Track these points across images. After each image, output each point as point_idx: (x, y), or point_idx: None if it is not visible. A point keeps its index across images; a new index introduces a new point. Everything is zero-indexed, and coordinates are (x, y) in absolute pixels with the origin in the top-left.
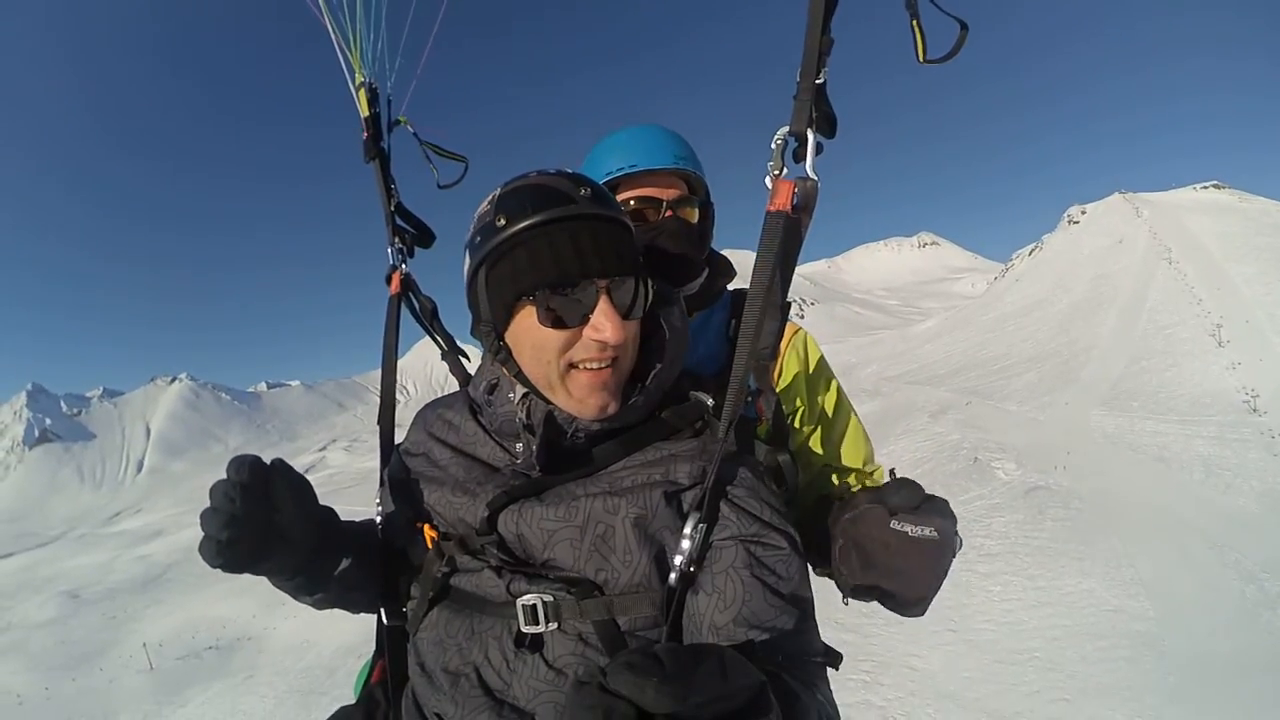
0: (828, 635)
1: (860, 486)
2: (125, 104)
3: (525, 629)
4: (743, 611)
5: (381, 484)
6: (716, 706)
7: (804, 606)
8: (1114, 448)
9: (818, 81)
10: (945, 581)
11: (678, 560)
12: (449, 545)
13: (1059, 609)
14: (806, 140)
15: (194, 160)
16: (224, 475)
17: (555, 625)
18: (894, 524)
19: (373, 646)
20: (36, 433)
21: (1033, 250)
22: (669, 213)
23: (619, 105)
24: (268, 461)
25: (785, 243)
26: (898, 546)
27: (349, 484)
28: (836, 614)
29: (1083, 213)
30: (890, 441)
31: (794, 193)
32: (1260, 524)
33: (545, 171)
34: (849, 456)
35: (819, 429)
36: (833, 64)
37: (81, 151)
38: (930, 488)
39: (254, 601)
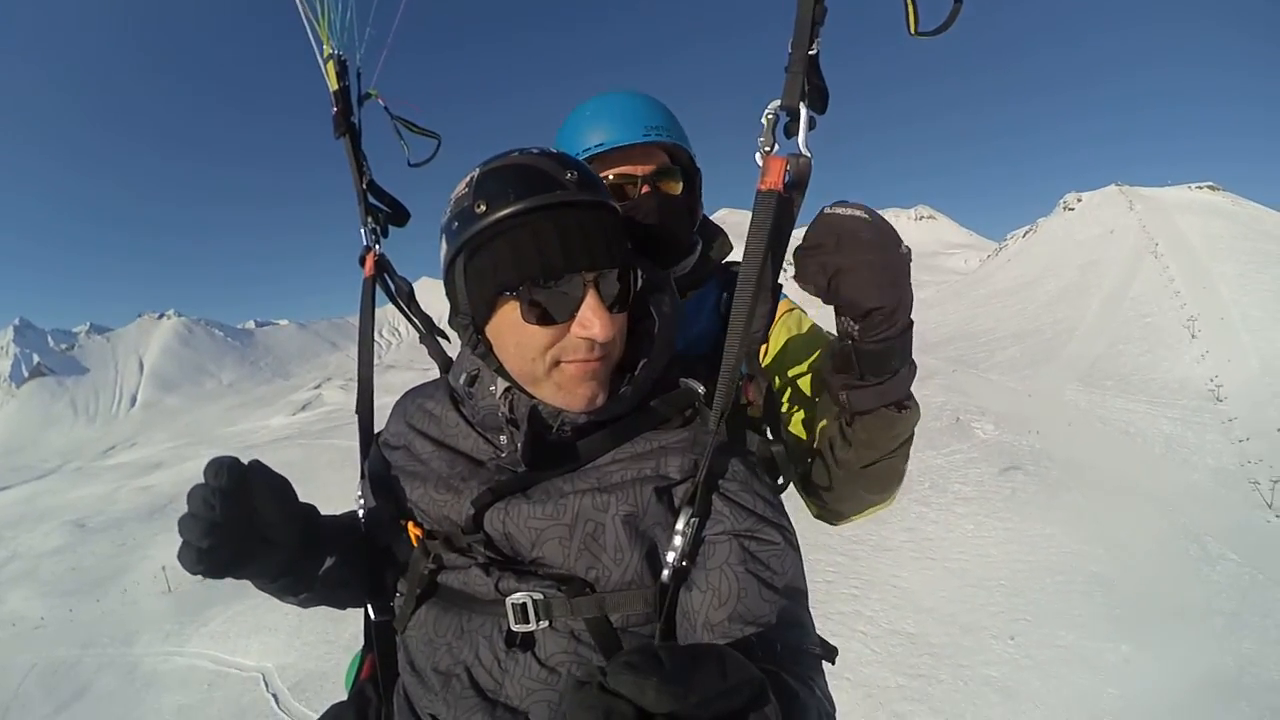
0: (819, 558)
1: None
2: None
3: (515, 627)
4: (737, 608)
5: (362, 477)
6: (716, 706)
7: (799, 600)
8: (1085, 419)
9: (810, 53)
10: (927, 514)
11: (670, 557)
12: (435, 544)
13: (1024, 548)
14: (799, 115)
15: (183, 86)
16: (201, 479)
17: (546, 623)
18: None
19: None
20: (25, 368)
21: (1026, 232)
22: (645, 188)
23: (601, 68)
24: (245, 462)
25: (777, 223)
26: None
27: (348, 420)
28: (828, 539)
29: (1079, 200)
30: None
31: (786, 170)
32: (1210, 496)
33: (528, 151)
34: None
35: (809, 403)
36: (837, 32)
37: (70, 68)
38: (913, 441)
39: None
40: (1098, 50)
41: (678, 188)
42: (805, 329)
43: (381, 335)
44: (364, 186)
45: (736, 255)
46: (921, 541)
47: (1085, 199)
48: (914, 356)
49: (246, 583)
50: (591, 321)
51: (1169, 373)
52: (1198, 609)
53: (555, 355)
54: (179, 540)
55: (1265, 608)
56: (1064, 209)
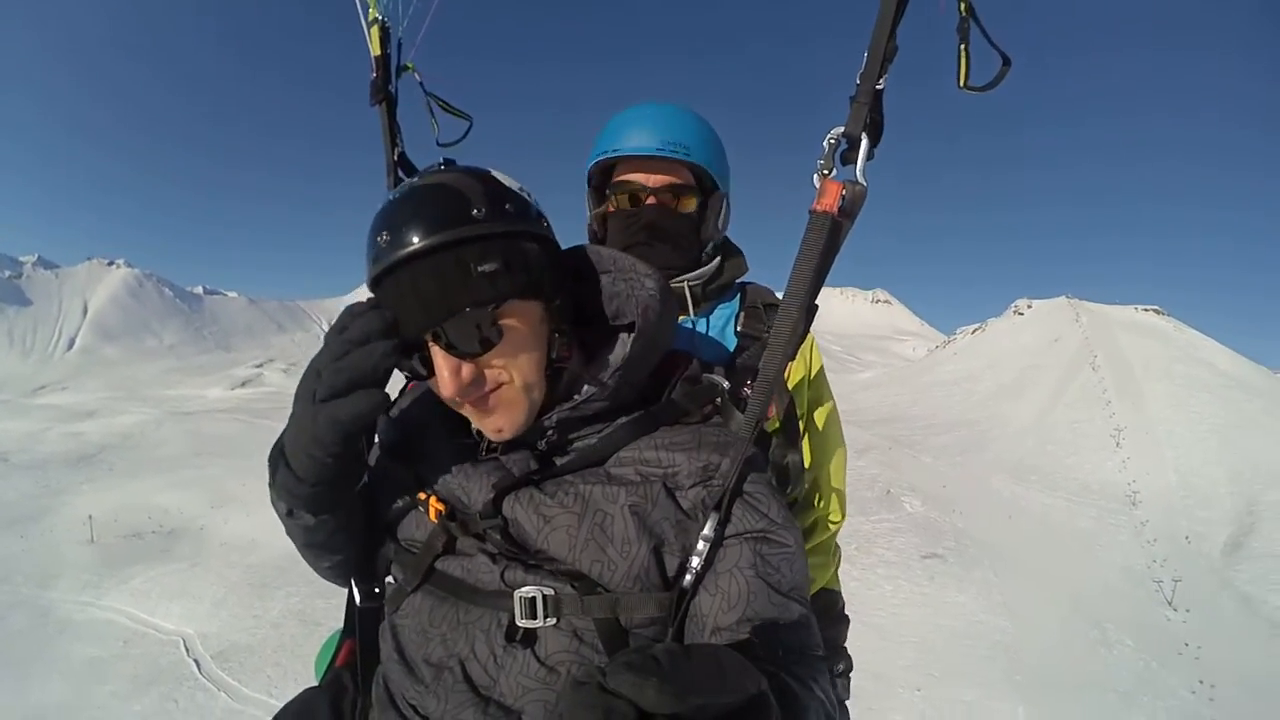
0: None
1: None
2: None
3: (521, 622)
4: (746, 612)
5: (370, 443)
6: (717, 707)
7: (805, 603)
8: (1007, 509)
9: (878, 88)
10: (850, 571)
11: (694, 562)
12: (454, 525)
13: (937, 611)
14: (859, 144)
15: (160, 37)
16: (366, 323)
17: (554, 620)
18: None
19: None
20: None
21: (976, 330)
22: (651, 199)
23: (650, 84)
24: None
25: (827, 245)
26: None
27: (288, 403)
28: None
29: (1029, 306)
30: None
31: (841, 195)
32: (1116, 589)
33: (414, 181)
34: (834, 476)
35: (808, 439)
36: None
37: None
38: (847, 510)
39: (199, 495)
40: (1061, 176)
41: (689, 205)
42: (815, 370)
43: (329, 325)
44: (395, 158)
45: (749, 277)
46: (847, 597)
47: (1035, 306)
48: (853, 432)
49: (173, 543)
50: (442, 380)
51: (1091, 475)
52: (1094, 685)
53: (448, 399)
54: (104, 490)
55: (1156, 690)
56: (1014, 313)
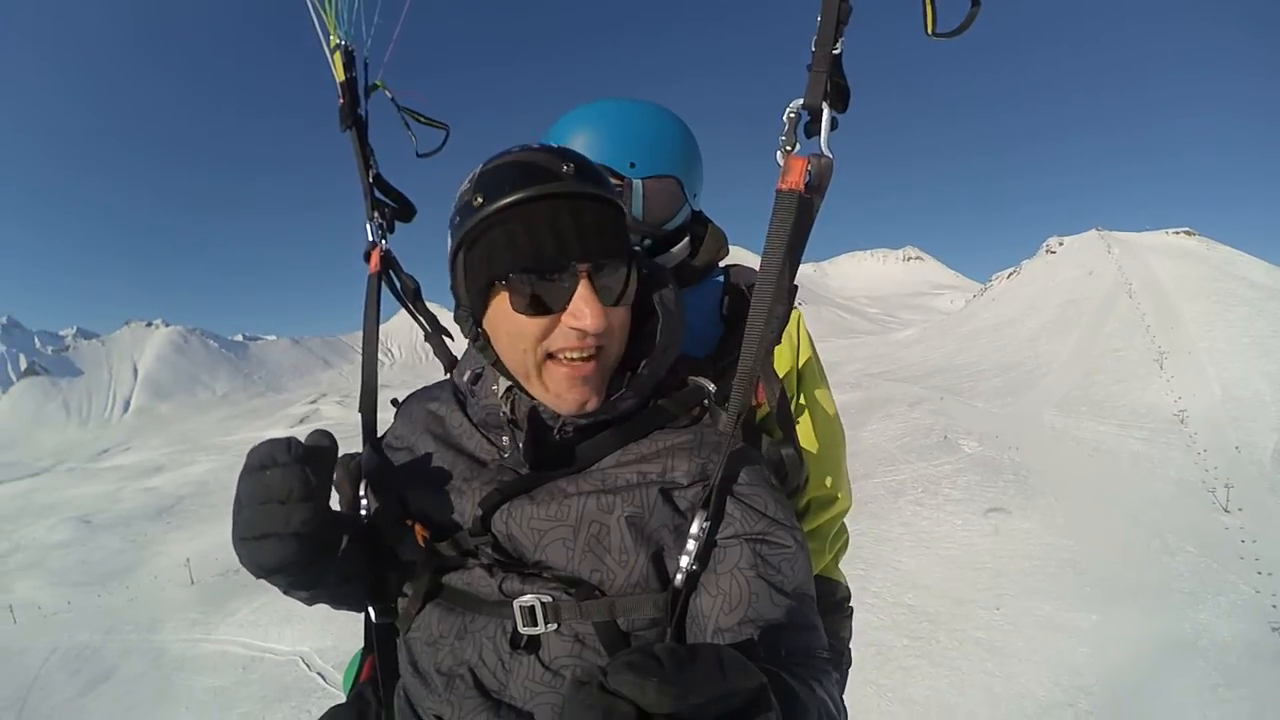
0: None
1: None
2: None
3: (523, 630)
4: (748, 613)
5: (362, 478)
6: (717, 706)
7: (809, 604)
8: (1061, 439)
9: (834, 51)
10: (920, 512)
11: (684, 561)
12: (443, 545)
13: (1004, 539)
14: (821, 114)
15: (178, 84)
16: (267, 459)
17: (555, 626)
18: None
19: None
20: (11, 367)
21: (1011, 274)
22: None
23: (619, 77)
24: (328, 435)
25: (797, 223)
26: None
27: (351, 433)
28: None
29: (1060, 244)
30: (873, 423)
31: (807, 170)
32: (1172, 502)
33: (529, 147)
34: (829, 458)
35: (802, 428)
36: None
37: (69, 61)
38: (905, 457)
39: None
40: (1082, 105)
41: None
42: (804, 352)
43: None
44: (370, 180)
45: (732, 259)
46: (917, 534)
47: (1067, 243)
48: (903, 387)
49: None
50: (583, 311)
51: (1138, 399)
52: (1158, 588)
53: (547, 347)
54: (191, 538)
55: (1218, 588)
56: (1046, 252)
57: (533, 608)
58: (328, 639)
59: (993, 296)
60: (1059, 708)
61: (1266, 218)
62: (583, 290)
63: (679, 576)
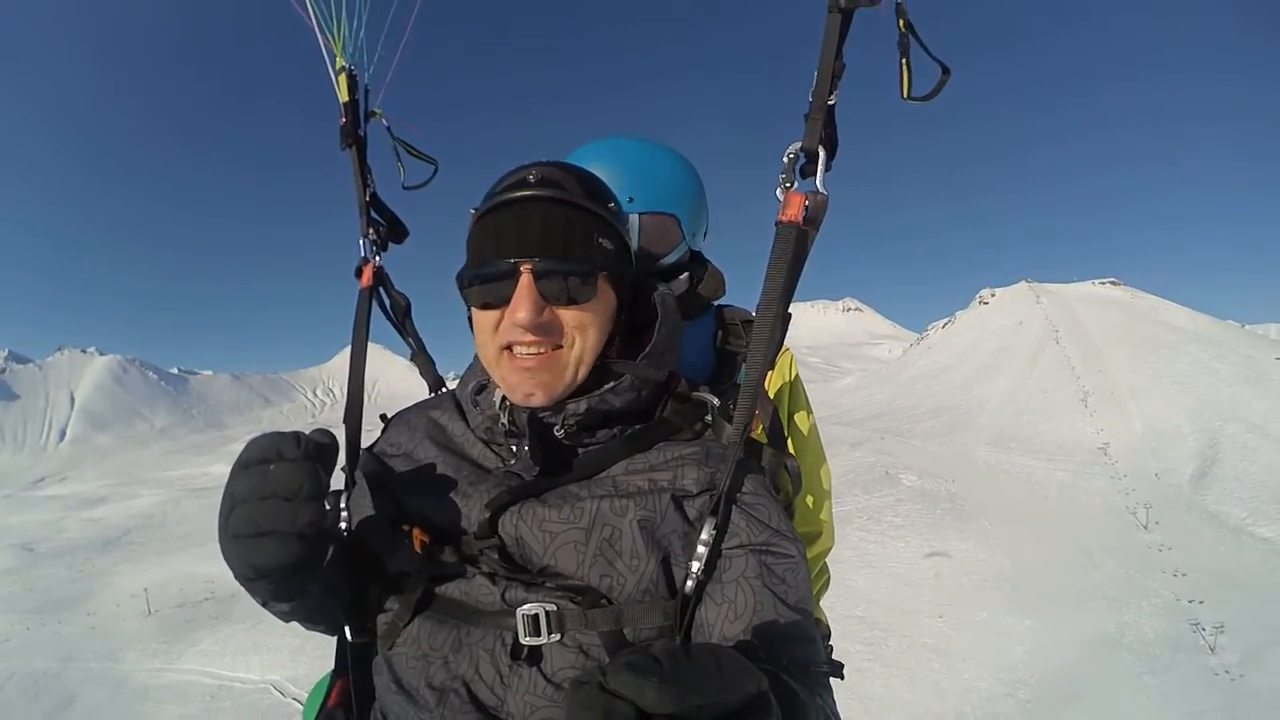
0: None
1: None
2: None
3: (525, 640)
4: (753, 622)
5: (349, 486)
6: (717, 707)
7: (809, 618)
8: (993, 472)
9: (830, 103)
10: (866, 537)
11: (694, 567)
12: (447, 550)
13: (945, 559)
14: (818, 157)
15: (106, 113)
16: (276, 444)
17: (558, 637)
18: None
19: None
20: None
21: (946, 324)
22: None
23: (619, 122)
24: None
25: (796, 253)
26: None
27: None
28: None
29: (992, 295)
30: None
31: (805, 205)
32: (1098, 525)
33: (525, 163)
34: (820, 479)
35: (792, 447)
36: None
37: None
38: (850, 491)
39: None
40: (1010, 162)
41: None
42: (793, 378)
43: (315, 394)
44: (367, 199)
45: (728, 300)
46: (864, 556)
47: (998, 294)
48: (845, 429)
49: (230, 607)
50: (516, 306)
51: (1065, 436)
52: (1086, 595)
53: (501, 340)
54: (144, 569)
55: (1141, 593)
56: (979, 303)
57: (536, 616)
58: (299, 667)
59: (929, 345)
60: (1000, 698)
61: (1189, 262)
62: (520, 286)
63: (689, 584)
